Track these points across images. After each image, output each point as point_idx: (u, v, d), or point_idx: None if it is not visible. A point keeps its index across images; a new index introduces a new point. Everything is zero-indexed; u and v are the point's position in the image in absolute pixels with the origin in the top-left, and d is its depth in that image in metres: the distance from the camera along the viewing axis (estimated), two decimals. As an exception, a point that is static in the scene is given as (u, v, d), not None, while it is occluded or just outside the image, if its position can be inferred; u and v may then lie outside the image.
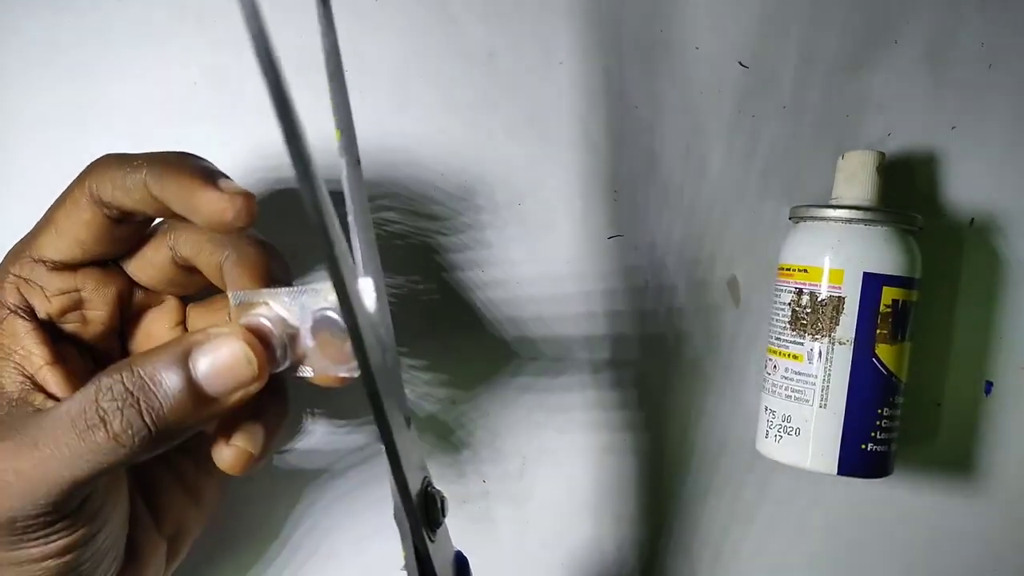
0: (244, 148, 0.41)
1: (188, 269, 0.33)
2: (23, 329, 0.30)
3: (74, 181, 0.30)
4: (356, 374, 0.28)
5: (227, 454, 0.29)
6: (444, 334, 0.43)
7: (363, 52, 0.42)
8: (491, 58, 0.43)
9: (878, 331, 0.38)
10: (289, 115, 0.21)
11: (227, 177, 0.29)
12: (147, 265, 0.33)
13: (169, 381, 0.26)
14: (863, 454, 0.39)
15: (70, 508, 0.27)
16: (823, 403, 0.39)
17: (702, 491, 0.45)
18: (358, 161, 0.29)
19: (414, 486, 0.27)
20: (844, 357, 0.39)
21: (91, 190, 0.29)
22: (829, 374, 0.39)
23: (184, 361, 0.27)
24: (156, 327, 0.34)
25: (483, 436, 0.44)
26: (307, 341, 0.29)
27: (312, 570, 0.43)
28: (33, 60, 0.40)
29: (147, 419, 0.26)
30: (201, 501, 0.37)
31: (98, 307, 0.32)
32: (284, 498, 0.42)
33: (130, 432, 0.26)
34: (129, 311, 0.34)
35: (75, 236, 0.30)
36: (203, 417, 0.27)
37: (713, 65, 0.44)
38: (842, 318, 0.39)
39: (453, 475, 0.44)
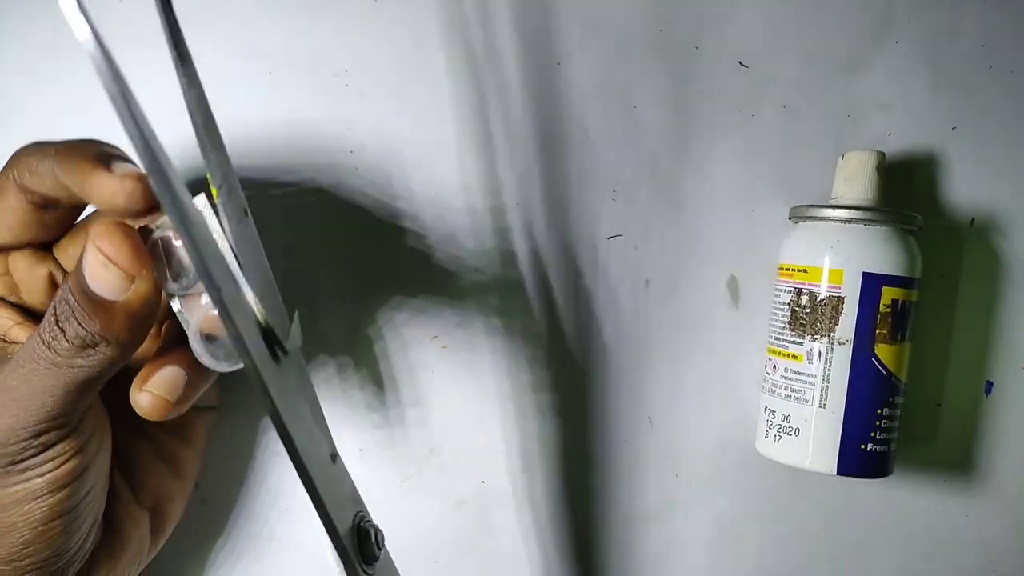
0: (244, 147, 0.42)
1: None
2: None
3: (2, 169, 0.31)
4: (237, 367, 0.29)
5: (143, 399, 0.30)
6: (444, 334, 0.44)
7: (362, 53, 0.42)
8: (490, 58, 0.43)
9: (877, 331, 0.39)
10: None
11: (127, 160, 0.30)
12: (69, 258, 0.33)
13: (78, 292, 0.28)
14: (862, 454, 0.39)
15: (68, 423, 0.29)
16: (823, 403, 0.39)
17: (703, 491, 0.45)
18: (246, 212, 0.28)
19: (345, 521, 0.27)
20: (843, 357, 0.39)
21: (14, 177, 0.30)
22: (828, 374, 0.39)
23: (81, 272, 0.28)
24: None
25: (480, 441, 0.44)
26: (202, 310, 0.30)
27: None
28: (33, 62, 0.41)
29: (84, 327, 0.28)
30: (181, 472, 0.38)
31: (32, 290, 0.33)
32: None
33: (80, 338, 0.28)
34: None
35: (2, 222, 0.31)
36: (120, 323, 0.28)
37: (713, 65, 0.44)
38: (841, 318, 0.39)
39: (448, 477, 0.44)
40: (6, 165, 0.31)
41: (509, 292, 0.44)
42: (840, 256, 0.39)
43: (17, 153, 0.31)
